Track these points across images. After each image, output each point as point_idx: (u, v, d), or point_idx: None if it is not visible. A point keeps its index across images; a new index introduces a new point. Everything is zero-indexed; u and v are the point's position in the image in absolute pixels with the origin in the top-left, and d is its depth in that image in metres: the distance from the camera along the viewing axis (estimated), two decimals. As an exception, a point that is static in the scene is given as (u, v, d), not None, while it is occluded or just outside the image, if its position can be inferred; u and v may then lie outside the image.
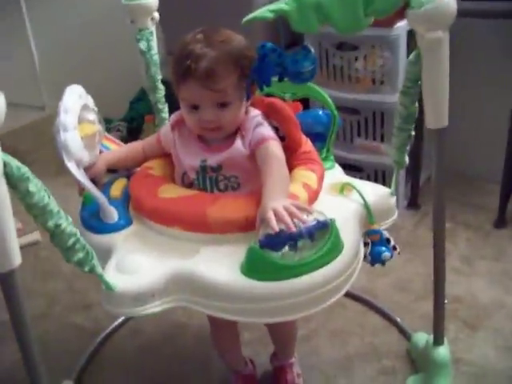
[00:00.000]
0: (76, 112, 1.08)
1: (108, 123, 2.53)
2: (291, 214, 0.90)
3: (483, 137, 2.19)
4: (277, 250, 0.91)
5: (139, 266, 0.95)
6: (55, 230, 0.82)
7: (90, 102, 1.15)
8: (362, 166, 2.07)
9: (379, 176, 2.05)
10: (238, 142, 1.08)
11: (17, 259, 0.79)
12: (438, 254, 1.23)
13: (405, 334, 1.53)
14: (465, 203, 2.11)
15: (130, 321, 1.65)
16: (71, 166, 1.04)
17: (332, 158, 1.30)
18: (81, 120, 1.09)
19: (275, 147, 1.07)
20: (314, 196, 1.07)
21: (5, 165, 0.75)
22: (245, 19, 1.04)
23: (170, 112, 1.38)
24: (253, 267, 0.91)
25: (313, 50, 1.10)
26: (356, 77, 1.94)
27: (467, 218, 2.04)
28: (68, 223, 0.84)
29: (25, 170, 0.77)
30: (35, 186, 0.78)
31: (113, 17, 2.30)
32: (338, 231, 0.95)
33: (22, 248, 0.79)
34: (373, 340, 1.54)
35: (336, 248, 0.95)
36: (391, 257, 1.11)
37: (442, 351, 1.29)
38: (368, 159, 2.05)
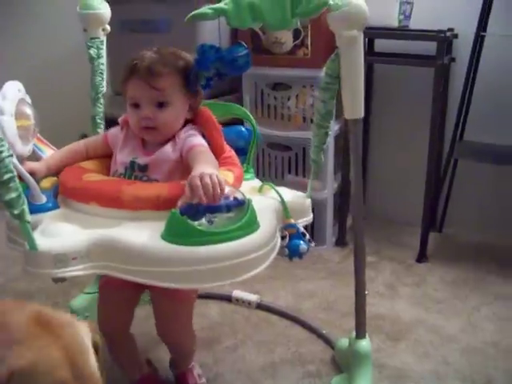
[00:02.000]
0: (14, 101, 1.14)
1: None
2: (214, 185, 0.95)
3: (405, 187, 2.37)
4: (195, 219, 0.96)
5: (62, 231, 0.98)
6: None
7: (28, 99, 1.21)
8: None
9: (309, 211, 2.15)
10: (168, 147, 1.16)
11: None
12: (359, 251, 1.32)
13: (330, 343, 1.56)
14: (389, 242, 2.25)
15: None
16: None
17: (252, 170, 1.38)
18: (17, 111, 1.14)
19: (205, 149, 1.15)
20: None
21: None
22: (187, 17, 1.16)
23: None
24: (172, 231, 0.96)
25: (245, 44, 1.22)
26: (288, 115, 2.09)
27: (391, 253, 2.15)
28: (8, 155, 0.88)
29: None
30: None
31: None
32: (254, 210, 1.01)
33: None
34: (298, 349, 1.56)
35: (251, 224, 1.00)
36: (307, 249, 1.17)
37: (364, 343, 1.33)
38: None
